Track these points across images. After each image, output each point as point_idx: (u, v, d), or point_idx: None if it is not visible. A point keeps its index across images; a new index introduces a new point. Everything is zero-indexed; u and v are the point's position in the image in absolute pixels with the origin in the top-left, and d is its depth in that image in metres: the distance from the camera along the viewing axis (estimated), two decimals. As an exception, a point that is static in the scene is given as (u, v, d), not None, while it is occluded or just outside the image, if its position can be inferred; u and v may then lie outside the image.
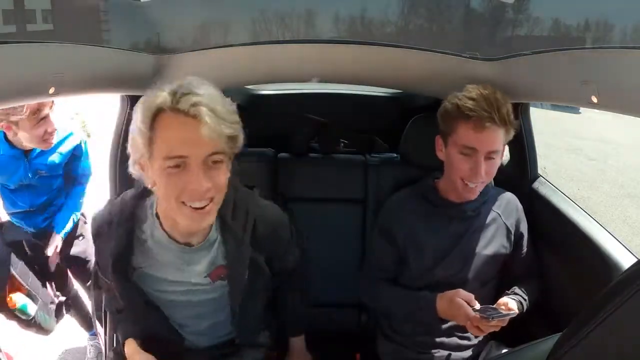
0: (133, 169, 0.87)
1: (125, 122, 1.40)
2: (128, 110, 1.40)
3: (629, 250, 1.07)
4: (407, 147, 1.43)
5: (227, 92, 2.01)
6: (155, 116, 0.80)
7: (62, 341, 2.10)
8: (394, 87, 1.70)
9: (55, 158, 1.63)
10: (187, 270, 0.96)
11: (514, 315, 1.08)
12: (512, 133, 1.13)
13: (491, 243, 1.21)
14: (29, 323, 1.66)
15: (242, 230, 0.95)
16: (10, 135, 1.53)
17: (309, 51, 1.31)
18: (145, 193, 0.96)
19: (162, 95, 0.79)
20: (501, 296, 1.17)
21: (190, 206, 0.82)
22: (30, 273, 1.68)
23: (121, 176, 1.41)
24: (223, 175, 0.85)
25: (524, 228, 1.25)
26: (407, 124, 1.43)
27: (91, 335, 2.01)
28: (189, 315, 1.03)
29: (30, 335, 2.09)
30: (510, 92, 1.26)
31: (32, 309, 1.64)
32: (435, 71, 1.35)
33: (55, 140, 1.56)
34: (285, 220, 1.06)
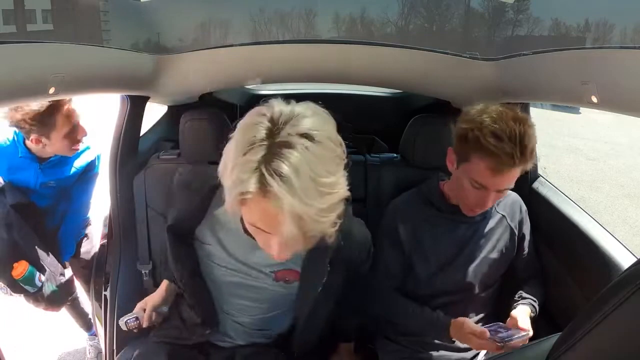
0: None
1: (125, 122, 1.40)
2: (128, 110, 1.40)
3: (629, 250, 1.07)
4: (407, 147, 1.43)
5: (227, 92, 2.02)
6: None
7: (62, 341, 2.10)
8: (394, 87, 1.71)
9: (67, 172, 1.61)
10: (254, 257, 0.96)
11: (529, 336, 1.04)
12: (530, 165, 1.05)
13: (496, 246, 1.19)
14: (37, 296, 1.56)
15: (325, 247, 0.87)
16: (36, 147, 1.49)
17: (309, 51, 1.31)
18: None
19: (251, 183, 0.69)
20: (504, 298, 1.16)
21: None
22: (36, 238, 1.56)
23: (121, 176, 1.41)
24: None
25: (526, 229, 1.23)
26: (407, 124, 1.43)
27: (90, 335, 2.00)
28: (236, 304, 1.03)
29: (29, 334, 2.10)
30: (510, 92, 1.26)
31: (38, 279, 1.53)
32: (436, 71, 1.35)
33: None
34: (368, 240, 1.04)
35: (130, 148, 1.44)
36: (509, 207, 1.23)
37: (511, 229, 1.21)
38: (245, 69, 1.39)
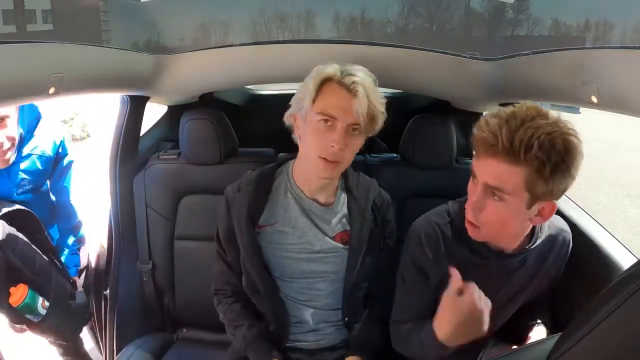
0: (286, 119, 1.07)
1: (125, 122, 1.40)
2: (128, 110, 1.40)
3: (629, 251, 1.07)
4: (407, 147, 1.43)
5: (227, 92, 2.02)
6: (323, 82, 1.00)
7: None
8: (394, 87, 1.71)
9: (33, 164, 1.43)
10: (318, 226, 1.08)
11: None
12: (554, 187, 0.82)
13: (530, 291, 1.07)
14: (42, 327, 1.32)
15: (365, 200, 1.11)
16: None
17: (309, 51, 1.31)
18: (282, 163, 1.15)
19: (333, 67, 1.00)
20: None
21: (325, 158, 0.99)
22: (37, 254, 1.32)
23: (121, 176, 1.41)
24: (356, 144, 1.02)
25: (563, 267, 1.09)
26: (407, 124, 1.43)
27: None
28: (305, 283, 1.10)
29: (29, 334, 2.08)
30: (510, 92, 1.26)
31: (42, 304, 1.29)
32: (436, 71, 1.35)
33: (12, 157, 1.35)
34: (393, 208, 1.19)
35: (130, 148, 1.44)
36: (557, 248, 1.05)
37: (552, 272, 1.07)
38: (245, 69, 1.39)
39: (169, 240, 1.44)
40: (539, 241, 1.00)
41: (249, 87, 2.12)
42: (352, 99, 0.97)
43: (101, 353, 1.58)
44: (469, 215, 0.92)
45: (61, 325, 1.37)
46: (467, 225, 0.95)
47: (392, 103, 2.10)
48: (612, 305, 0.42)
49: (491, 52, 1.27)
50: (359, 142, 1.03)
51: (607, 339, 0.44)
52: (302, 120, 1.03)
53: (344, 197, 1.12)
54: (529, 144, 0.80)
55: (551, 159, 0.80)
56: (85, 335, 1.70)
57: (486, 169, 0.86)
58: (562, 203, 1.28)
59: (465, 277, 0.98)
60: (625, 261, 1.03)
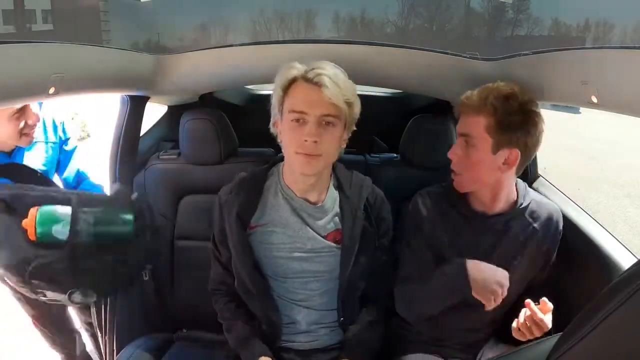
0: (272, 129, 1.08)
1: (125, 122, 1.40)
2: (128, 110, 1.40)
3: (629, 251, 1.07)
4: (406, 147, 1.43)
5: (227, 92, 2.01)
6: (290, 84, 1.01)
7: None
8: (394, 88, 1.71)
9: (41, 151, 1.45)
10: (309, 225, 1.08)
11: None
12: (512, 137, 1.00)
13: (522, 264, 1.10)
14: (75, 249, 0.97)
15: (357, 199, 1.11)
16: None
17: (309, 51, 1.31)
18: (273, 164, 1.16)
19: (297, 68, 1.01)
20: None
21: (303, 153, 0.99)
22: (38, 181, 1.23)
23: (121, 176, 1.41)
24: (335, 136, 1.01)
25: (555, 248, 1.14)
26: (407, 124, 1.44)
27: None
28: (298, 283, 1.10)
29: (28, 333, 2.07)
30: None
31: (64, 211, 0.99)
32: (436, 71, 1.35)
33: (36, 134, 1.39)
34: (389, 205, 1.17)
35: (130, 148, 1.44)
36: (544, 219, 1.11)
37: (543, 246, 1.12)
38: (245, 69, 1.39)
39: (169, 240, 1.44)
40: (522, 206, 1.10)
41: (249, 87, 2.12)
42: (319, 90, 0.96)
43: (100, 355, 1.58)
44: (452, 164, 1.10)
45: (108, 231, 1.02)
46: (453, 177, 1.11)
47: (392, 103, 2.13)
48: (612, 305, 0.42)
49: (491, 52, 1.27)
50: (338, 134, 1.02)
51: (607, 338, 0.44)
52: (280, 125, 1.04)
53: (336, 195, 1.11)
54: (487, 97, 1.02)
55: (504, 108, 1.01)
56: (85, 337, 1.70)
57: (460, 123, 1.09)
58: (562, 203, 1.27)
59: (457, 237, 1.11)
60: (625, 261, 1.03)
